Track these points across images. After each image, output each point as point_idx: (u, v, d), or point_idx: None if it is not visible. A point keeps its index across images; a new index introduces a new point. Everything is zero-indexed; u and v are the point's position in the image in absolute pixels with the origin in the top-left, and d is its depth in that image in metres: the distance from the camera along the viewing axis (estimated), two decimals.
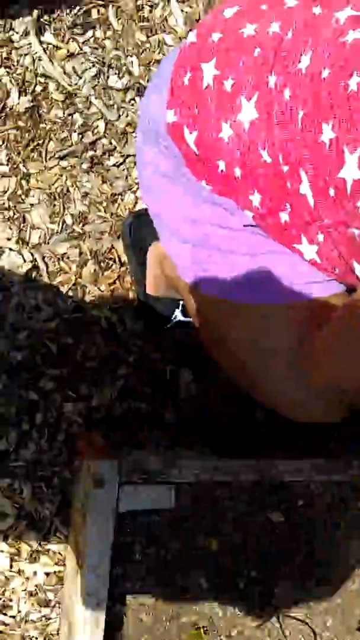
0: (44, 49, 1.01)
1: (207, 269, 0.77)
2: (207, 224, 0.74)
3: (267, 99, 0.64)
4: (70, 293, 1.02)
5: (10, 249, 0.99)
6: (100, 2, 1.04)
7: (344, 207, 0.62)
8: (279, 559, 0.99)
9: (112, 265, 1.04)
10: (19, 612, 1.01)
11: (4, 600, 1.00)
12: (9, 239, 0.99)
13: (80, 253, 1.02)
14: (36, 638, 1.01)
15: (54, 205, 1.01)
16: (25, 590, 1.01)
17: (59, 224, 1.01)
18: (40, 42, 1.01)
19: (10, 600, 1.00)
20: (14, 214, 0.99)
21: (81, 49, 1.03)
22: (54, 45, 1.02)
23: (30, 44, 1.00)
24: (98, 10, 1.04)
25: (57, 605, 1.02)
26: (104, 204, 1.03)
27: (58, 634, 1.02)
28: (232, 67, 0.67)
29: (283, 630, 0.99)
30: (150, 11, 1.07)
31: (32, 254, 1.00)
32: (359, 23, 0.60)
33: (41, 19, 1.01)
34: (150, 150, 0.76)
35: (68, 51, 1.02)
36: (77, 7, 1.03)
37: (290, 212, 0.69)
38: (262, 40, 0.66)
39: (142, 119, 0.77)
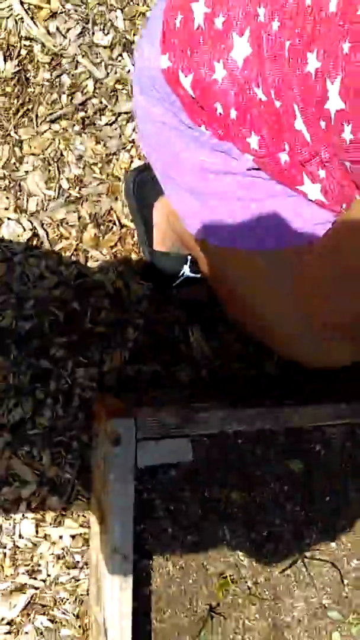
0: (25, 10, 0.98)
1: (214, 219, 0.76)
2: (211, 172, 0.73)
3: (258, 32, 0.62)
4: (73, 259, 1.01)
5: (9, 219, 0.98)
6: None
7: (333, 139, 0.61)
8: (300, 505, 1.00)
9: (112, 227, 1.03)
10: (49, 575, 1.03)
11: (32, 566, 1.02)
12: (6, 209, 0.98)
13: (79, 217, 1.01)
14: (67, 599, 1.03)
15: (49, 170, 1.00)
16: (52, 554, 1.03)
17: (55, 190, 1.00)
18: (22, 3, 0.98)
19: (39, 565, 1.02)
20: (10, 182, 0.98)
21: (64, 7, 1.00)
22: (35, 6, 0.99)
23: (10, 6, 0.97)
24: None
25: (84, 566, 1.04)
26: (99, 165, 1.02)
27: (88, 593, 1.04)
28: (222, 3, 0.65)
29: (310, 573, 1.00)
30: None
31: (31, 222, 0.99)
32: None
33: None
34: (147, 102, 0.74)
35: (50, 10, 0.99)
36: None
37: (289, 152, 0.68)
38: None
39: (136, 72, 0.76)
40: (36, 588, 1.02)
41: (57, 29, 1.00)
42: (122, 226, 1.03)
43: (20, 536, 1.01)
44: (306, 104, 0.62)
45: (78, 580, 1.04)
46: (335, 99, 0.58)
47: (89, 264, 1.02)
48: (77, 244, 1.01)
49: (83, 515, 1.03)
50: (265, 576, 0.99)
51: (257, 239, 0.75)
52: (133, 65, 1.03)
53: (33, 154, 0.99)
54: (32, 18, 0.99)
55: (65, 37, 1.00)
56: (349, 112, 0.58)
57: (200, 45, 0.67)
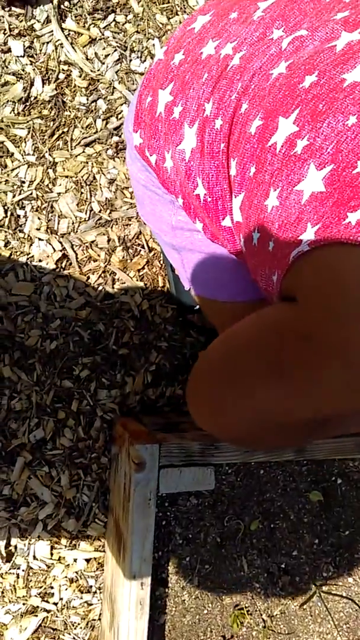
0: (65, 36, 1.00)
1: (192, 271, 0.81)
2: (184, 229, 0.76)
3: (203, 126, 0.64)
4: (100, 280, 1.02)
5: (40, 239, 0.99)
6: None
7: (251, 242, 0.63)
8: (319, 537, 0.99)
9: (140, 251, 1.04)
10: (61, 599, 1.02)
11: (45, 588, 1.01)
12: (37, 229, 0.99)
13: (109, 240, 1.02)
14: (78, 624, 1.02)
15: (81, 193, 1.01)
16: (66, 577, 1.02)
17: (86, 212, 1.01)
18: (62, 29, 1.00)
19: (52, 587, 1.01)
20: (42, 203, 0.99)
21: (102, 34, 1.02)
22: (75, 32, 1.01)
23: (52, 31, 0.99)
24: None
25: (98, 590, 1.03)
26: (130, 189, 1.03)
27: (100, 619, 1.03)
28: (184, 92, 0.67)
29: (327, 607, 0.99)
30: None
31: (61, 243, 1.00)
32: (296, 52, 0.59)
33: (62, 6, 1.00)
34: (134, 166, 0.79)
35: (89, 37, 1.01)
36: None
37: (220, 243, 0.71)
38: (213, 63, 0.65)
39: (126, 141, 0.79)
40: (48, 611, 1.01)
41: (96, 54, 1.02)
42: (150, 250, 1.04)
43: (34, 557, 1.00)
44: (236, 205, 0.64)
45: (90, 604, 1.02)
46: (237, 212, 0.62)
47: (115, 286, 1.02)
48: (105, 266, 1.02)
49: (99, 539, 1.02)
50: (281, 609, 0.98)
51: (227, 291, 0.79)
52: None
53: (66, 176, 1.00)
54: (71, 44, 1.01)
55: (102, 63, 1.02)
56: (243, 225, 0.62)
57: (158, 132, 0.71)
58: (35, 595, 1.00)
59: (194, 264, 0.79)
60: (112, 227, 1.02)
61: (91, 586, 1.02)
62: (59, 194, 1.00)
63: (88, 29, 1.02)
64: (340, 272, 0.47)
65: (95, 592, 1.02)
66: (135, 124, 0.74)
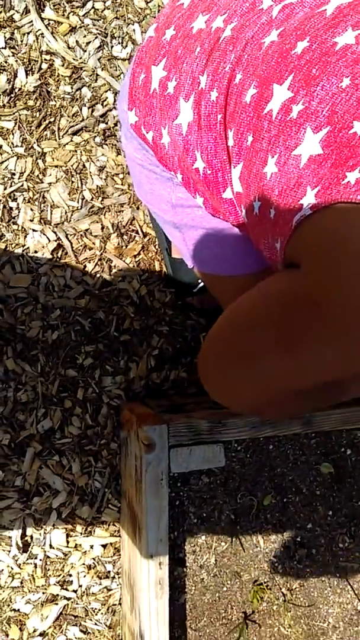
0: (45, 26, 1.00)
1: (194, 247, 0.81)
2: (184, 206, 0.76)
3: (199, 99, 0.64)
4: (97, 268, 1.02)
5: (34, 230, 0.99)
6: None
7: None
8: (332, 509, 0.99)
9: (135, 236, 1.04)
10: (80, 586, 1.02)
11: (64, 576, 1.02)
12: (31, 220, 0.99)
13: (103, 227, 1.02)
14: (99, 610, 1.03)
15: (72, 182, 1.01)
16: (83, 564, 1.02)
17: (78, 201, 1.01)
18: (42, 19, 1.00)
19: (70, 575, 1.02)
20: (34, 194, 0.99)
21: (82, 22, 1.02)
22: (55, 21, 1.01)
23: (31, 21, 0.99)
24: None
25: (116, 575, 1.03)
26: (121, 175, 1.03)
27: (120, 603, 1.03)
28: (177, 67, 0.67)
29: (346, 577, 0.99)
30: None
31: (55, 233, 1.00)
32: (285, 20, 0.59)
33: None
34: (130, 145, 0.79)
35: (69, 25, 1.01)
36: None
37: (222, 216, 0.71)
38: (205, 37, 0.65)
39: (120, 121, 0.79)
40: (68, 599, 1.02)
41: (77, 43, 1.02)
42: (144, 235, 1.04)
43: (51, 546, 1.01)
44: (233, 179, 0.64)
45: (110, 590, 1.03)
46: (237, 182, 0.62)
47: (113, 273, 1.03)
48: (101, 254, 1.02)
49: (113, 524, 1.02)
50: (299, 582, 0.99)
51: (230, 265, 0.79)
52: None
53: (56, 166, 1.00)
54: (52, 33, 1.01)
55: (84, 51, 1.02)
56: (244, 194, 0.61)
57: (154, 108, 0.70)
58: (55, 584, 1.01)
59: (196, 241, 0.79)
60: (105, 215, 1.02)
61: (109, 571, 1.03)
62: (49, 184, 1.00)
63: (67, 17, 1.01)
64: (343, 233, 0.47)
65: (113, 577, 1.03)
66: (130, 102, 0.74)
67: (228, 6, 0.65)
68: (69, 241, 1.01)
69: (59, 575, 1.01)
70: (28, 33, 0.99)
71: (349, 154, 0.48)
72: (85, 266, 1.01)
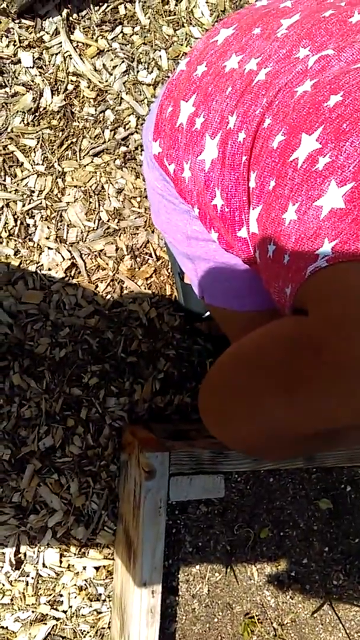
0: (74, 48, 1.01)
1: (204, 280, 0.82)
2: (199, 239, 0.76)
3: (226, 138, 0.65)
4: (109, 289, 1.02)
5: (49, 248, 1.00)
6: None
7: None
8: (329, 545, 0.99)
9: (148, 259, 1.05)
10: (70, 607, 1.02)
11: (54, 596, 1.01)
12: (47, 238, 1.00)
13: (117, 249, 1.03)
14: (87, 632, 1.02)
15: (90, 202, 1.02)
16: (75, 585, 1.02)
17: (94, 221, 1.02)
18: (70, 41, 1.01)
19: (61, 595, 1.01)
20: (51, 213, 1.00)
21: (110, 46, 1.03)
22: (83, 43, 1.02)
23: (60, 43, 1.01)
24: (125, 7, 1.05)
25: (107, 599, 1.03)
26: (138, 199, 1.04)
27: (109, 627, 1.03)
28: (206, 104, 0.68)
29: (338, 616, 0.98)
30: (176, 4, 1.07)
31: (70, 252, 1.01)
32: (320, 72, 0.59)
33: (70, 18, 1.01)
34: (152, 174, 0.80)
35: (97, 48, 1.02)
36: (105, 5, 1.03)
37: (235, 252, 0.72)
38: (237, 77, 0.66)
39: (144, 149, 0.80)
40: (57, 619, 1.01)
41: (104, 66, 1.03)
42: (157, 258, 1.05)
43: (44, 565, 1.00)
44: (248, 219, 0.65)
45: (100, 613, 1.02)
46: (254, 224, 0.63)
47: (124, 294, 1.03)
48: (114, 275, 1.02)
49: (108, 547, 1.02)
50: (291, 618, 0.98)
51: (237, 300, 0.79)
52: None
53: (75, 186, 1.01)
54: (79, 55, 1.02)
55: (110, 74, 1.03)
56: (259, 236, 0.62)
57: (178, 142, 0.72)
58: (45, 603, 1.00)
59: (208, 274, 0.80)
60: (120, 236, 1.03)
61: (100, 594, 1.02)
62: (67, 203, 1.01)
63: (96, 40, 1.03)
64: (353, 288, 0.47)
65: (104, 600, 1.02)
66: (155, 132, 0.75)
67: (263, 50, 0.66)
68: (83, 261, 1.01)
69: (50, 595, 1.01)
70: (56, 54, 1.01)
71: None
72: (97, 286, 1.02)
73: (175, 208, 0.78)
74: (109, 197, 1.03)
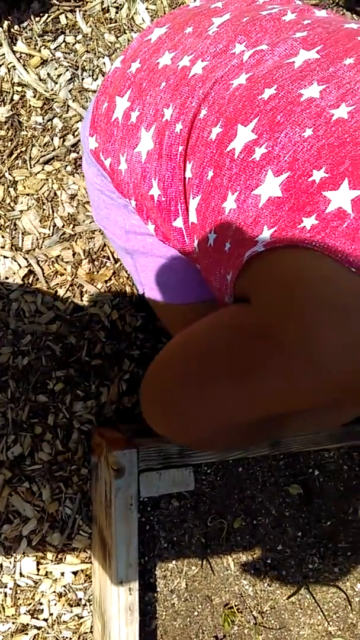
0: (17, 59, 1.02)
1: (144, 275, 0.84)
2: (136, 233, 0.78)
3: (162, 130, 0.67)
4: (69, 294, 1.03)
5: (5, 257, 1.00)
6: (67, 8, 1.06)
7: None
8: (302, 530, 1.01)
9: (106, 262, 1.06)
10: (51, 614, 1.01)
11: (34, 605, 1.00)
12: (2, 247, 1.00)
13: (74, 254, 1.04)
14: (70, 638, 1.02)
15: (43, 209, 1.03)
16: (54, 592, 1.01)
17: (49, 228, 1.03)
18: (14, 52, 1.02)
19: (41, 603, 1.01)
20: (5, 221, 1.00)
21: (54, 55, 1.05)
22: (26, 54, 1.03)
23: (3, 54, 1.02)
24: (66, 16, 1.06)
25: (87, 603, 1.03)
26: (87, 192, 1.05)
27: (92, 631, 1.02)
28: (141, 98, 0.70)
29: (315, 599, 1.00)
30: (117, 12, 1.09)
31: (26, 259, 1.01)
32: (255, 66, 0.62)
33: (12, 30, 1.03)
34: (90, 171, 0.82)
35: (41, 58, 1.04)
36: (46, 15, 1.05)
37: (171, 244, 0.74)
38: (170, 73, 0.68)
39: (83, 146, 0.82)
40: (38, 628, 1.00)
41: (48, 75, 1.04)
42: (115, 261, 1.06)
43: (21, 574, 1.00)
44: (185, 205, 0.68)
45: (81, 617, 1.02)
46: (193, 214, 0.65)
47: (84, 299, 1.04)
48: (73, 280, 1.03)
49: (84, 551, 1.02)
50: (270, 604, 0.99)
51: (175, 293, 0.82)
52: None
53: (27, 194, 1.02)
54: (23, 65, 1.03)
55: (56, 83, 1.05)
56: (199, 226, 0.64)
57: (114, 136, 0.74)
58: (25, 613, 0.99)
59: (146, 268, 0.82)
60: (76, 241, 1.04)
61: (80, 599, 1.02)
62: (21, 211, 1.01)
63: (39, 50, 1.04)
64: (295, 273, 0.49)
65: (85, 605, 1.02)
66: (91, 128, 0.76)
67: (195, 47, 0.68)
68: (40, 267, 1.02)
69: (30, 604, 1.00)
70: (0, 65, 1.02)
71: (307, 200, 0.51)
72: (56, 292, 1.03)
73: (113, 203, 0.79)
74: (62, 203, 1.03)
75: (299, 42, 0.61)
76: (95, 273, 1.05)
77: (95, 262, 1.05)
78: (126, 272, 1.06)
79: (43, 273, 1.02)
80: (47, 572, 1.01)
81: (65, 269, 1.03)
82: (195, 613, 0.96)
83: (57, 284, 1.03)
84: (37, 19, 1.04)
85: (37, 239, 1.02)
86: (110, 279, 1.06)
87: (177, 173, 0.65)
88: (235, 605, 0.97)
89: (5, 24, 1.02)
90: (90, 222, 1.05)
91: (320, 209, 0.49)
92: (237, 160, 0.57)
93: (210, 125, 0.61)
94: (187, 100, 0.64)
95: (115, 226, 0.82)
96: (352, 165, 0.50)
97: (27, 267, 1.01)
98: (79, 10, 1.07)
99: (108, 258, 1.06)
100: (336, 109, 0.53)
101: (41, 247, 1.02)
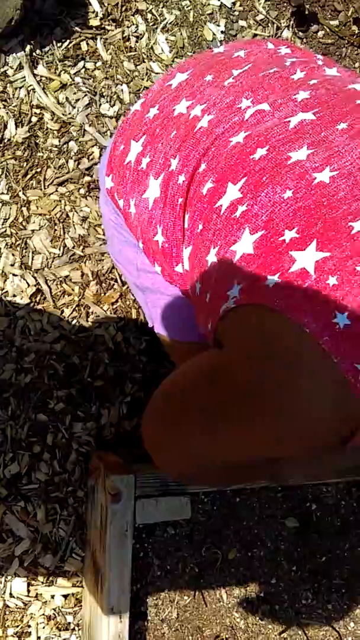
0: (37, 82, 1.05)
1: (153, 310, 0.86)
2: (149, 272, 0.81)
3: (168, 180, 0.70)
4: (75, 314, 1.04)
5: (14, 274, 1.01)
6: (89, 35, 1.09)
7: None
8: (297, 564, 1.00)
9: (113, 284, 1.06)
10: (38, 638, 1.00)
11: (22, 627, 0.99)
12: (12, 265, 1.01)
13: (82, 275, 1.05)
14: None
15: (55, 230, 1.04)
16: (43, 614, 1.00)
17: (59, 248, 1.04)
18: (34, 75, 1.04)
19: (29, 626, 1.00)
20: (16, 240, 1.02)
21: (73, 80, 1.07)
22: (47, 78, 1.06)
23: (24, 77, 1.04)
24: (87, 43, 1.09)
25: (76, 627, 1.01)
26: (102, 226, 1.06)
27: None
28: (153, 145, 0.73)
29: (307, 636, 0.99)
30: (137, 41, 1.12)
31: (35, 278, 1.02)
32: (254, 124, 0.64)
33: (34, 54, 1.05)
34: (107, 207, 0.84)
35: (60, 82, 1.06)
36: (67, 41, 1.07)
37: (176, 285, 0.77)
38: (182, 122, 0.70)
39: (100, 184, 0.85)
40: None
41: (67, 99, 1.06)
42: (123, 284, 1.07)
43: (10, 595, 0.99)
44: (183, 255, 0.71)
45: None
46: (186, 262, 0.68)
47: (90, 319, 1.04)
48: (80, 300, 1.04)
49: (76, 574, 1.01)
50: (261, 639, 0.98)
51: (177, 330, 0.85)
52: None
53: (40, 214, 1.03)
54: (43, 89, 1.05)
55: (73, 107, 1.07)
56: (190, 274, 0.67)
57: (126, 179, 0.76)
58: (12, 635, 0.98)
59: (155, 305, 0.84)
60: (85, 263, 1.05)
61: (69, 623, 1.01)
62: (32, 231, 1.02)
63: (59, 75, 1.06)
64: (257, 329, 0.52)
65: (73, 629, 1.01)
66: (108, 168, 0.79)
67: (210, 97, 0.70)
68: (48, 287, 1.03)
69: (18, 626, 0.99)
70: (20, 87, 1.04)
71: (273, 259, 0.53)
72: (62, 311, 1.03)
73: (127, 240, 0.81)
74: (73, 225, 1.05)
75: (299, 105, 0.62)
76: (103, 295, 1.06)
77: (103, 284, 1.06)
78: (132, 295, 1.07)
79: (51, 292, 1.03)
80: (37, 593, 1.00)
81: (72, 290, 1.04)
82: None
83: (64, 303, 1.03)
84: (59, 44, 1.07)
85: (46, 259, 1.03)
86: (117, 301, 1.06)
87: (177, 223, 0.68)
88: (227, 638, 0.96)
89: (28, 48, 1.04)
90: (100, 245, 1.06)
91: (285, 268, 0.51)
92: (222, 216, 0.60)
93: (206, 180, 0.64)
94: (191, 153, 0.67)
95: (128, 262, 0.84)
96: (323, 227, 0.51)
97: (35, 285, 1.02)
98: (100, 38, 1.09)
99: (116, 280, 1.07)
100: (320, 172, 0.55)
101: (50, 267, 1.03)
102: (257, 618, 0.97)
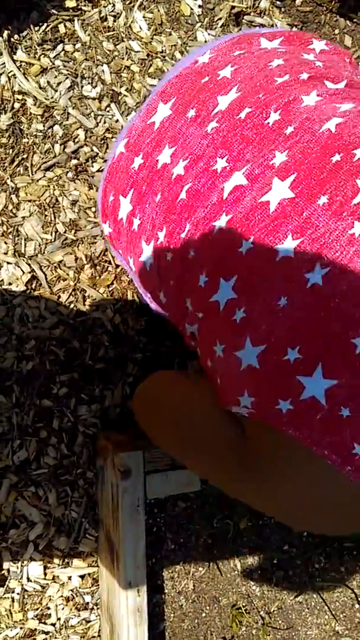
0: (17, 67, 1.04)
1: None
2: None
3: (157, 252, 0.70)
4: (71, 298, 1.04)
5: (8, 263, 1.01)
6: (66, 17, 1.08)
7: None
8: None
9: (108, 267, 1.07)
10: (59, 619, 1.01)
11: (42, 609, 1.00)
12: (5, 253, 1.01)
13: (76, 259, 1.05)
14: None
15: (45, 215, 1.04)
16: (61, 596, 1.01)
17: (51, 233, 1.04)
18: (14, 61, 1.04)
19: (48, 608, 1.01)
20: (7, 228, 1.01)
21: (53, 63, 1.06)
22: (26, 63, 1.05)
23: (4, 63, 1.03)
24: (65, 25, 1.08)
25: (95, 607, 1.03)
26: (93, 209, 1.06)
27: (99, 634, 1.02)
28: (141, 205, 0.72)
29: (322, 598, 1.00)
30: (114, 21, 1.11)
31: (29, 265, 1.02)
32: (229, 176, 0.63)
33: (11, 39, 1.04)
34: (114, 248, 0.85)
35: (41, 67, 1.05)
36: (45, 24, 1.06)
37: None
38: (166, 184, 0.69)
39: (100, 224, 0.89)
40: (46, 633, 1.00)
41: (48, 83, 1.06)
42: (117, 265, 1.07)
43: (28, 579, 1.00)
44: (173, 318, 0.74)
45: (89, 621, 1.02)
46: (196, 333, 0.69)
47: (87, 303, 1.05)
48: (75, 284, 1.04)
49: (91, 554, 1.02)
50: (277, 605, 0.99)
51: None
52: (121, 114, 1.08)
53: (29, 201, 1.03)
54: (24, 74, 1.04)
55: (55, 91, 1.06)
56: (200, 343, 0.68)
57: (122, 235, 0.77)
58: (32, 618, 0.99)
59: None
60: (78, 246, 1.05)
61: (87, 603, 1.02)
62: (23, 217, 1.02)
63: (39, 59, 1.05)
64: (273, 450, 0.55)
65: (92, 609, 1.02)
66: (103, 216, 0.79)
67: (191, 147, 0.67)
68: (43, 273, 1.03)
69: (37, 609, 1.00)
70: (0, 74, 1.03)
71: (282, 381, 0.53)
72: (59, 297, 1.03)
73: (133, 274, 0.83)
74: (64, 209, 1.04)
75: (277, 171, 0.59)
76: (98, 278, 1.06)
77: (97, 267, 1.06)
78: (127, 276, 1.07)
79: (46, 278, 1.03)
80: (54, 576, 1.01)
81: (67, 274, 1.04)
82: (203, 614, 0.96)
83: (60, 289, 1.03)
84: (37, 28, 1.06)
85: (39, 245, 1.03)
86: (112, 284, 1.07)
87: (176, 297, 0.68)
88: (243, 606, 0.97)
89: (5, 33, 1.03)
90: (92, 228, 1.06)
91: (295, 394, 0.51)
92: (220, 314, 0.59)
93: (198, 271, 0.63)
94: (175, 231, 0.66)
95: (144, 296, 0.87)
96: (324, 347, 0.50)
97: (30, 272, 1.02)
98: (78, 19, 1.08)
99: (110, 263, 1.07)
100: (311, 272, 0.52)
101: (44, 253, 1.03)
102: (272, 584, 0.99)
